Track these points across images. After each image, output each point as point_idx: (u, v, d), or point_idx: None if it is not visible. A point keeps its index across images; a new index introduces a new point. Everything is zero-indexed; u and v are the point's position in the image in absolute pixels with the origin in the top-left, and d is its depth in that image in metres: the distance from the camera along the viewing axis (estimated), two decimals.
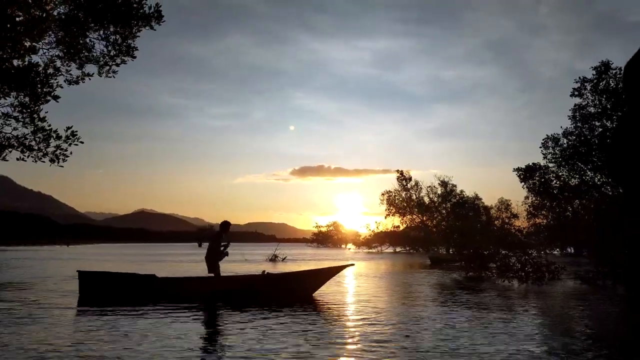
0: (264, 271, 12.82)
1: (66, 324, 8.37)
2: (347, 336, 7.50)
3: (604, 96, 23.95)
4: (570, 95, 24.85)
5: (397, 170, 74.86)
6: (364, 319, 9.13)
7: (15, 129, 10.03)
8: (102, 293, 11.66)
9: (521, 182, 26.60)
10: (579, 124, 24.96)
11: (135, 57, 10.62)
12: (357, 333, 7.73)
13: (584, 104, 24.89)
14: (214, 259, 11.97)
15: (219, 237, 12.18)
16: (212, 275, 12.04)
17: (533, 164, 26.19)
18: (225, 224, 12.42)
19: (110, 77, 10.65)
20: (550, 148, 25.68)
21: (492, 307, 10.98)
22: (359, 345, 6.84)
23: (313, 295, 12.45)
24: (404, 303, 11.72)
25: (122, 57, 10.52)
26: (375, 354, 6.36)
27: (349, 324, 8.64)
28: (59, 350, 6.32)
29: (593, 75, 24.39)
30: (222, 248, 12.13)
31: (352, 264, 14.29)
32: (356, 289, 14.75)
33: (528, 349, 6.72)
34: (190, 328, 8.08)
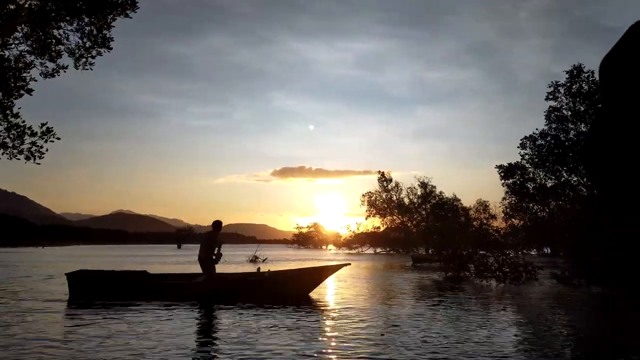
0: (258, 268, 12.65)
1: (55, 324, 8.20)
2: (341, 334, 7.46)
3: (577, 99, 24.40)
4: (545, 99, 25.35)
5: (378, 172, 75.53)
6: (356, 316, 9.17)
7: None
8: (92, 293, 11.38)
9: (502, 179, 26.90)
10: (553, 126, 25.41)
11: (111, 48, 10.37)
12: (350, 331, 7.75)
13: (558, 106, 25.36)
14: (208, 259, 11.67)
15: (214, 237, 11.89)
16: (203, 272, 11.78)
17: (515, 162, 26.52)
18: (218, 223, 12.13)
19: (87, 69, 10.39)
20: (528, 148, 26.06)
21: (469, 307, 11.09)
22: (350, 343, 6.84)
23: (309, 294, 12.33)
24: (388, 303, 11.74)
25: (98, 49, 10.27)
26: (363, 349, 6.36)
27: (342, 322, 8.59)
28: (50, 351, 6.18)
29: (566, 79, 24.87)
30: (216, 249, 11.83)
31: (349, 264, 14.20)
32: (345, 290, 14.66)
33: (503, 346, 6.78)
34: (183, 326, 7.99)
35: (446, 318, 9.20)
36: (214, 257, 11.68)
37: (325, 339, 7.18)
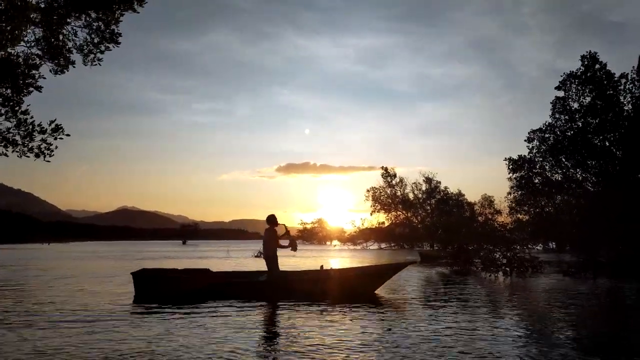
0: (321, 266, 12.70)
1: (122, 324, 8.00)
2: (405, 332, 7.40)
3: (589, 86, 24.07)
4: (555, 88, 25.02)
5: (382, 167, 75.45)
6: (420, 314, 9.16)
7: None
8: (158, 292, 11.32)
9: (509, 173, 26.61)
10: (559, 117, 25.14)
11: (119, 44, 10.33)
12: (416, 328, 7.76)
13: (565, 97, 25.05)
14: (272, 257, 11.59)
15: (272, 233, 11.77)
16: (268, 270, 11.69)
17: (523, 156, 26.25)
18: (270, 218, 11.95)
19: (95, 65, 10.44)
20: (536, 141, 25.80)
21: (477, 301, 11.13)
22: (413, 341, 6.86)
23: (375, 292, 12.11)
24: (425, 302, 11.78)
25: (106, 44, 10.30)
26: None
27: (406, 320, 8.52)
28: (117, 350, 6.10)
29: (580, 69, 24.47)
30: (286, 243, 11.73)
31: (414, 262, 14.04)
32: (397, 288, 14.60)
33: (507, 340, 6.81)
34: (249, 325, 7.89)
35: (455, 313, 9.24)
36: (289, 248, 11.63)
37: (385, 335, 7.11)
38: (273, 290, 11.25)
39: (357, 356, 5.86)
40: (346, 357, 5.82)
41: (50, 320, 8.20)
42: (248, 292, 11.26)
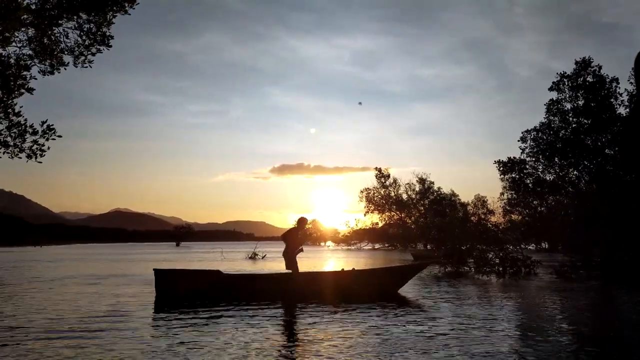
0: (342, 268, 12.68)
1: (144, 326, 7.84)
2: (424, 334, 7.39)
3: (579, 92, 24.28)
4: (549, 89, 25.17)
5: (376, 168, 75.55)
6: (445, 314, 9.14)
7: None
8: (178, 290, 11.22)
9: (501, 175, 26.72)
10: (553, 118, 25.28)
11: (111, 46, 10.32)
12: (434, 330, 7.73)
13: (561, 98, 25.17)
14: (291, 256, 11.57)
15: (296, 233, 11.82)
16: (290, 271, 11.66)
17: (514, 158, 26.37)
18: (301, 220, 12.04)
19: (86, 67, 10.41)
20: (529, 141, 25.92)
21: (471, 302, 11.16)
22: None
23: (398, 292, 12.21)
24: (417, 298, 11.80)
25: (97, 47, 10.30)
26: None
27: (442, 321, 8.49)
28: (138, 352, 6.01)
29: (574, 69, 24.66)
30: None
31: (431, 262, 14.47)
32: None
33: (502, 341, 6.83)
34: (270, 327, 7.75)
35: (450, 311, 9.26)
36: (296, 253, 11.61)
37: (385, 334, 7.10)
38: (295, 289, 11.28)
39: (360, 355, 5.87)
40: (355, 356, 5.83)
41: (74, 326, 7.83)
42: (273, 291, 11.24)
